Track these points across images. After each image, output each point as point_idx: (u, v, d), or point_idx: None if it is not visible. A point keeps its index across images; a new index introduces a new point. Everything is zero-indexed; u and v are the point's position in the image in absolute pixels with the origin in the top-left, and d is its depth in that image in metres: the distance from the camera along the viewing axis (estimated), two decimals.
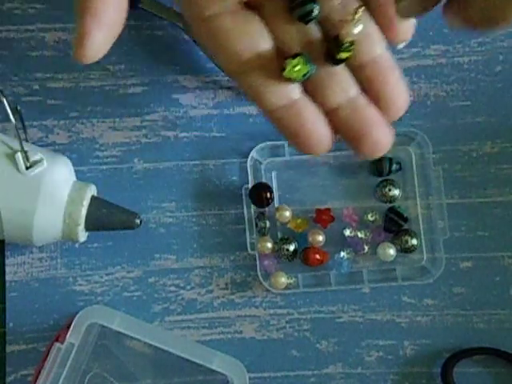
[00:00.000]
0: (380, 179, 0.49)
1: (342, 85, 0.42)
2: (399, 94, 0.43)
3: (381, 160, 0.48)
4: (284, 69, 0.39)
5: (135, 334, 0.45)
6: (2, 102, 0.45)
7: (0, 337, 0.48)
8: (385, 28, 0.41)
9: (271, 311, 0.49)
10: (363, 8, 0.39)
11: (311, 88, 0.42)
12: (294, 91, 0.42)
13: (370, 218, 0.49)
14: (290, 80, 0.40)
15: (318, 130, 0.43)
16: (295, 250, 0.48)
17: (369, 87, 0.42)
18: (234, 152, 0.50)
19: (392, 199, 0.48)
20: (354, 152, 0.43)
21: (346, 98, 0.42)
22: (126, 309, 0.48)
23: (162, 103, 0.50)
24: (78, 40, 0.37)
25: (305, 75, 0.40)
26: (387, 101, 0.43)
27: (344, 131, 0.43)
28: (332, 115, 0.42)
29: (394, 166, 0.48)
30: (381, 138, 0.42)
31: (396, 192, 0.48)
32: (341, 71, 0.42)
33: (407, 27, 0.42)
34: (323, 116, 0.42)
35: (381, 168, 0.48)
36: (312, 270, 0.48)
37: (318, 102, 0.43)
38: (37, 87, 0.50)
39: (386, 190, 0.48)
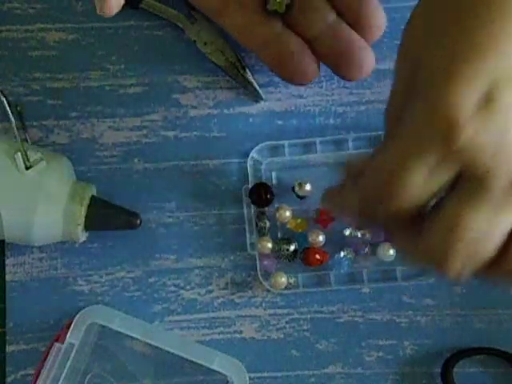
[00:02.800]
0: None
1: (320, 12, 0.45)
2: (377, 14, 0.45)
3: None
4: (267, 3, 0.43)
5: (135, 334, 0.45)
6: (2, 102, 0.45)
7: (0, 337, 0.48)
8: None
9: (271, 311, 0.49)
10: None
11: (292, 21, 0.45)
12: (277, 25, 0.45)
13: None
14: (273, 13, 0.43)
15: (305, 59, 0.46)
16: (295, 250, 0.48)
17: (347, 11, 0.45)
18: (234, 152, 0.50)
19: None
20: (340, 77, 0.47)
21: (325, 25, 0.44)
22: (126, 309, 0.48)
23: (162, 103, 0.50)
24: None
25: (287, 6, 0.44)
26: (366, 22, 0.45)
27: (328, 57, 0.46)
28: (315, 44, 0.45)
29: None
30: (364, 59, 0.45)
31: None
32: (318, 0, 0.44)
33: (379, 21, 0.45)
34: (307, 46, 0.45)
35: None
36: (312, 270, 0.48)
37: (300, 33, 0.45)
38: (37, 87, 0.50)
39: None
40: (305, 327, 0.49)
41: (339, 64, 0.45)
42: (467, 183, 0.33)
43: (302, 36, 0.45)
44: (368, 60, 0.45)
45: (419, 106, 0.33)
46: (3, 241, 0.48)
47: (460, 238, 0.33)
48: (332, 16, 0.45)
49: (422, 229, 0.35)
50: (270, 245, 0.48)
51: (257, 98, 0.50)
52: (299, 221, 0.48)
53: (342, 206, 0.39)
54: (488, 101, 0.31)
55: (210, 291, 0.49)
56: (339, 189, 0.39)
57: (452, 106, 0.31)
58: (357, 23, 0.45)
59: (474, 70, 0.31)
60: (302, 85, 0.48)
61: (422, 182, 0.33)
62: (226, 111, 0.50)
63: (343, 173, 0.38)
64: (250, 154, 0.49)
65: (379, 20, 0.45)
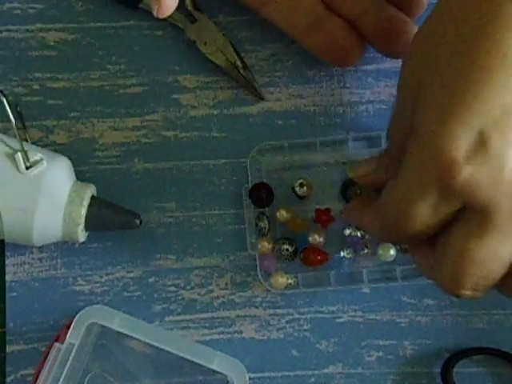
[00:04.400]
0: None
1: None
2: None
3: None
4: None
5: (135, 334, 0.45)
6: (2, 102, 0.45)
7: (0, 337, 0.48)
8: None
9: (271, 311, 0.49)
10: None
11: (334, 3, 0.45)
12: (321, 8, 0.45)
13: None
14: None
15: (350, 41, 0.46)
16: (295, 250, 0.48)
17: None
18: (234, 152, 0.50)
19: None
20: (385, 54, 0.47)
21: (368, 3, 0.45)
22: (126, 309, 0.48)
23: (162, 103, 0.50)
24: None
25: None
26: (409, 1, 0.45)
27: (372, 36, 0.46)
28: (358, 23, 0.46)
29: None
30: (409, 34, 0.45)
31: None
32: None
33: None
34: (350, 27, 0.45)
35: None
36: (312, 270, 0.48)
37: (343, 13, 0.46)
38: (37, 87, 0.50)
39: None
40: (305, 327, 0.49)
41: (384, 41, 0.46)
42: (471, 214, 0.35)
43: (346, 16, 0.46)
44: (413, 34, 0.45)
45: (417, 143, 0.35)
46: (3, 241, 0.48)
47: (467, 268, 0.35)
48: None
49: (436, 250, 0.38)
50: (269, 245, 0.48)
51: (257, 97, 0.50)
52: (299, 221, 0.48)
53: (363, 226, 0.43)
54: (482, 142, 0.32)
55: (210, 291, 0.49)
56: (358, 207, 0.43)
57: (448, 148, 0.33)
58: (398, 2, 0.45)
59: (469, 111, 0.33)
60: (347, 66, 0.48)
61: (427, 215, 0.35)
62: (225, 111, 0.50)
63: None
64: (250, 154, 0.49)
65: None
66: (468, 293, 0.37)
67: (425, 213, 0.35)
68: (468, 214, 0.35)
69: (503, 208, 0.33)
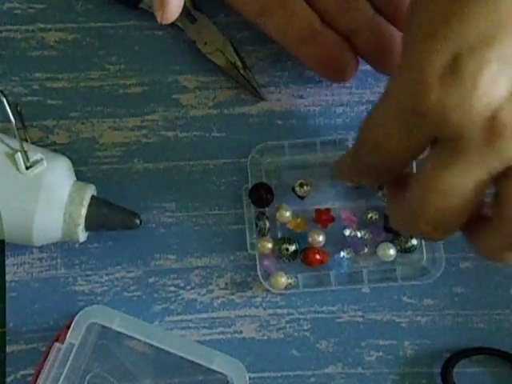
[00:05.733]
0: None
1: (358, 7, 0.45)
2: None
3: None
4: None
5: (135, 334, 0.45)
6: (2, 102, 0.45)
7: (0, 337, 0.48)
8: None
9: (271, 311, 0.49)
10: None
11: (331, 18, 0.45)
12: (316, 22, 0.45)
13: (370, 217, 0.49)
14: None
15: (345, 56, 0.46)
16: (295, 250, 0.48)
17: (385, 5, 0.45)
18: (234, 152, 0.50)
19: None
20: (379, 71, 0.47)
21: (364, 20, 0.45)
22: (126, 309, 0.48)
23: (162, 103, 0.50)
24: (158, 5, 0.42)
25: None
26: (404, 16, 0.44)
27: (367, 52, 0.46)
28: (353, 39, 0.46)
29: None
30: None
31: None
32: None
33: None
34: (346, 43, 0.46)
35: None
36: (312, 270, 0.48)
37: (338, 28, 0.46)
38: (37, 87, 0.50)
39: None
40: (305, 327, 0.49)
41: (378, 58, 0.46)
42: (442, 144, 0.35)
43: (340, 32, 0.46)
44: None
45: (401, 69, 0.35)
46: (3, 241, 0.48)
47: (429, 197, 0.35)
48: (370, 11, 0.45)
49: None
50: (270, 245, 0.48)
51: (257, 97, 0.50)
52: (299, 221, 0.48)
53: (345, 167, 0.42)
54: (456, 65, 0.33)
55: (210, 291, 0.49)
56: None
57: (422, 68, 0.33)
58: (395, 18, 0.45)
59: (447, 33, 0.33)
60: (341, 81, 0.48)
61: (400, 138, 0.36)
62: (225, 111, 0.50)
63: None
64: (250, 154, 0.49)
65: None
66: (428, 228, 0.36)
67: (398, 135, 0.35)
68: (439, 144, 0.35)
69: (471, 135, 0.33)
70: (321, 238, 0.48)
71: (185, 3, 0.49)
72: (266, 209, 0.49)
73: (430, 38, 0.34)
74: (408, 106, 0.34)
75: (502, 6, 0.32)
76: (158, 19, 0.42)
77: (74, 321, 0.44)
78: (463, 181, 0.34)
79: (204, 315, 0.49)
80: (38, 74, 0.50)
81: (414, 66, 0.34)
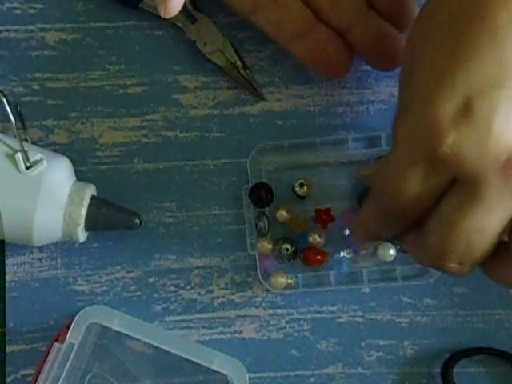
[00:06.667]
0: None
1: (352, 3, 0.45)
2: (408, 4, 0.45)
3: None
4: None
5: (135, 334, 0.45)
6: (2, 102, 0.45)
7: (0, 337, 0.48)
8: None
9: (271, 311, 0.49)
10: None
11: (324, 13, 0.45)
12: (309, 18, 0.45)
13: None
14: None
15: (338, 52, 0.46)
16: (295, 250, 0.48)
17: (378, 1, 0.45)
18: (234, 152, 0.50)
19: None
20: (373, 67, 0.47)
21: (357, 15, 0.45)
22: (126, 309, 0.48)
23: (162, 103, 0.50)
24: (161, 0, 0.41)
25: None
26: (397, 12, 0.45)
27: (361, 48, 0.46)
28: (347, 35, 0.46)
29: None
30: (397, 49, 0.45)
31: None
32: None
33: (410, 12, 0.46)
34: (339, 38, 0.45)
35: None
36: (312, 270, 0.48)
37: (332, 25, 0.45)
38: (37, 87, 0.50)
39: None
40: (305, 327, 0.49)
41: (372, 54, 0.46)
42: (460, 186, 0.35)
43: (334, 28, 0.46)
44: (401, 49, 0.45)
45: (406, 116, 0.35)
46: (3, 241, 0.48)
47: (454, 240, 0.35)
48: (363, 6, 0.45)
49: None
50: (270, 245, 0.48)
51: (257, 97, 0.50)
52: (299, 221, 0.48)
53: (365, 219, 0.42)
54: (467, 109, 0.33)
55: (210, 291, 0.49)
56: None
57: (434, 115, 0.33)
58: (388, 13, 0.45)
59: (455, 80, 0.33)
60: (335, 77, 0.48)
61: (417, 186, 0.35)
62: (225, 111, 0.50)
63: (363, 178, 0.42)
64: (250, 154, 0.49)
65: (410, 10, 0.45)
66: (453, 265, 0.36)
67: (415, 184, 0.35)
68: (457, 187, 0.35)
69: (490, 180, 0.33)
70: (321, 238, 0.48)
71: (185, 3, 0.49)
72: (266, 209, 0.49)
73: (437, 85, 0.34)
74: (422, 154, 0.34)
75: (506, 49, 0.33)
76: (161, 13, 0.41)
77: (74, 321, 0.44)
78: (485, 221, 0.34)
79: (204, 315, 0.49)
80: (38, 74, 0.50)
81: (423, 113, 0.34)
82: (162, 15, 0.41)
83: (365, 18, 0.45)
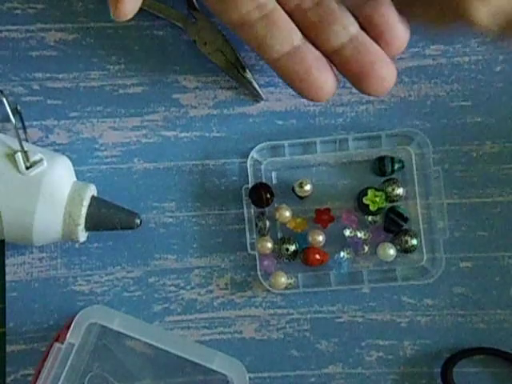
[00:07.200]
0: (383, 179, 0.49)
1: (342, 23, 0.43)
2: (400, 28, 0.44)
3: (383, 159, 0.48)
4: None
5: (135, 334, 0.45)
6: (2, 102, 0.45)
7: (0, 337, 0.48)
8: (380, 37, 0.43)
9: (271, 311, 0.49)
10: None
11: (313, 32, 0.44)
12: (296, 37, 0.44)
13: (369, 218, 0.49)
14: None
15: (324, 75, 0.44)
16: (295, 250, 0.48)
17: (369, 24, 0.44)
18: (234, 152, 0.50)
19: (396, 198, 0.48)
20: (360, 91, 0.45)
21: (347, 37, 0.43)
22: (126, 309, 0.48)
23: (162, 103, 0.50)
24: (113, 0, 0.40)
25: None
26: (389, 35, 0.44)
27: (349, 70, 0.44)
28: (336, 55, 0.44)
29: (397, 165, 0.48)
30: (386, 74, 0.44)
31: (400, 191, 0.48)
32: (340, 10, 0.43)
33: (402, 35, 0.44)
34: (326, 60, 0.44)
35: (383, 167, 0.48)
36: (312, 270, 0.48)
37: (321, 44, 0.44)
38: (37, 87, 0.50)
39: (390, 189, 0.48)
40: (305, 327, 0.49)
41: (360, 77, 0.44)
42: None
43: (323, 48, 0.44)
44: (390, 74, 0.43)
45: None
46: (3, 241, 0.48)
47: None
48: (354, 28, 0.43)
49: None
50: (270, 245, 0.48)
51: (257, 98, 0.50)
52: (299, 221, 0.48)
53: None
54: None
55: (210, 291, 0.49)
56: None
57: None
58: (379, 36, 0.44)
59: None
60: (317, 101, 0.45)
61: None
62: (225, 111, 0.50)
63: None
64: (250, 154, 0.49)
65: (402, 33, 0.44)
66: (484, 17, 0.37)
67: None
68: None
69: None
70: (321, 238, 0.48)
71: (185, 3, 0.49)
72: (266, 209, 0.49)
73: None
74: None
75: None
76: (112, 15, 0.40)
77: (74, 321, 0.44)
78: None
79: (204, 315, 0.49)
80: (38, 74, 0.50)
81: None
82: (112, 15, 0.40)
83: (355, 39, 0.43)
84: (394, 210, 0.48)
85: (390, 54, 0.44)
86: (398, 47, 0.44)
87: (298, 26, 0.44)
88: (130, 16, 0.40)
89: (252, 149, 0.49)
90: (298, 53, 0.44)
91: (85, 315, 0.45)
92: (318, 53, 0.44)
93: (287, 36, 0.44)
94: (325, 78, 0.44)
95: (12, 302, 0.48)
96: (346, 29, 0.43)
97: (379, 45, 0.44)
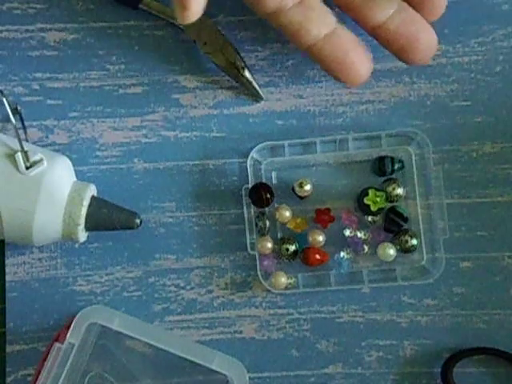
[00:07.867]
0: (383, 179, 0.49)
1: None
2: None
3: (383, 159, 0.48)
4: None
5: (135, 334, 0.45)
6: (2, 102, 0.45)
7: (0, 337, 0.48)
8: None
9: (271, 311, 0.49)
10: None
11: (356, 9, 0.45)
12: (332, 20, 0.44)
13: (370, 218, 0.49)
14: None
15: (361, 57, 0.45)
16: (295, 250, 0.48)
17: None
18: (234, 152, 0.50)
19: (396, 198, 0.48)
20: (406, 61, 0.46)
21: (392, 9, 0.44)
22: (126, 309, 0.48)
23: (162, 103, 0.50)
24: (179, 3, 0.40)
25: None
26: (429, 2, 0.45)
27: (395, 43, 0.45)
28: (381, 30, 0.45)
29: (397, 165, 0.48)
30: (430, 42, 0.45)
31: (400, 191, 0.48)
32: None
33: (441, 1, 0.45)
34: (363, 43, 0.45)
35: (383, 167, 0.48)
36: (312, 270, 0.48)
37: (365, 21, 0.45)
38: (37, 87, 0.50)
39: (390, 189, 0.48)
40: (305, 327, 0.49)
41: (406, 49, 0.45)
42: None
43: (368, 25, 0.45)
44: (434, 41, 0.44)
45: None
46: (3, 241, 0.48)
47: None
48: (397, 0, 0.44)
49: None
50: (270, 245, 0.48)
51: (257, 98, 0.50)
52: (299, 221, 0.48)
53: None
54: None
55: (210, 291, 0.49)
56: None
57: None
58: (420, 5, 0.45)
59: None
60: (353, 84, 0.46)
61: None
62: (225, 111, 0.50)
63: None
64: (250, 154, 0.49)
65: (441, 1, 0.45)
66: None
67: None
68: None
69: None
70: (321, 238, 0.48)
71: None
72: (266, 209, 0.49)
73: None
74: None
75: None
76: (179, 19, 0.40)
77: (74, 321, 0.44)
78: None
79: (204, 315, 0.49)
80: (38, 74, 0.50)
81: None
82: (179, 21, 0.40)
83: (399, 11, 0.44)
84: (394, 210, 0.48)
85: (429, 20, 0.45)
86: (438, 13, 0.45)
87: (339, 5, 0.45)
88: (195, 18, 0.40)
89: (252, 149, 0.49)
90: (335, 36, 0.44)
91: (85, 315, 0.45)
92: (353, 35, 0.45)
93: (324, 20, 0.44)
94: (362, 61, 0.45)
95: (12, 302, 0.48)
96: (390, 1, 0.44)
97: (418, 11, 0.45)
